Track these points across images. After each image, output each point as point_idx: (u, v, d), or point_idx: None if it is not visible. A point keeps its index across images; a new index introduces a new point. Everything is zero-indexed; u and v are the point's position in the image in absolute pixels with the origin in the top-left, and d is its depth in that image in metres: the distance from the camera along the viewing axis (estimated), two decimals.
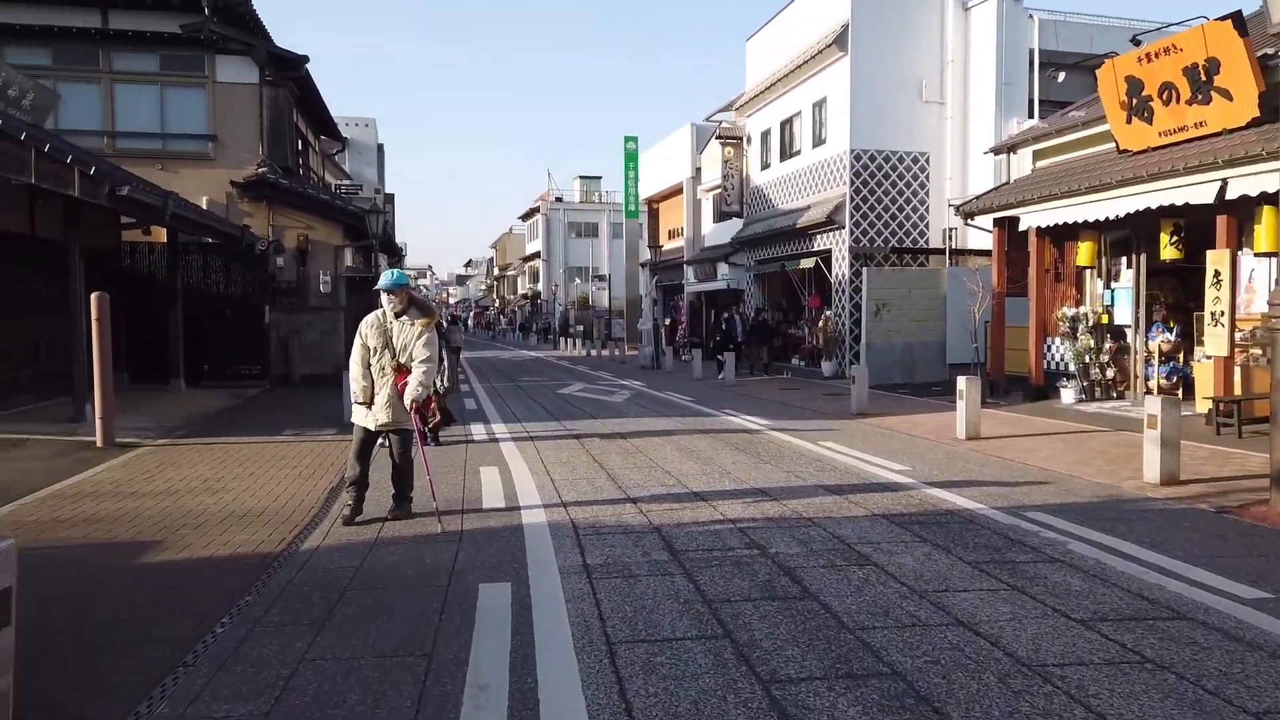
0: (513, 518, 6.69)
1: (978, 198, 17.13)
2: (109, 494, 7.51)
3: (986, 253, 18.16)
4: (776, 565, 5.38)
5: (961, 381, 10.96)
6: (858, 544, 5.86)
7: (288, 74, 18.87)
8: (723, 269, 29.55)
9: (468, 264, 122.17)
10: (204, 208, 16.99)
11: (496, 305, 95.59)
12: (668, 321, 31.87)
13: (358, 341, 6.49)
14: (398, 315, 6.44)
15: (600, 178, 73.51)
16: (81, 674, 3.81)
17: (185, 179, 17.58)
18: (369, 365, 6.44)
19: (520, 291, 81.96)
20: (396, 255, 28.51)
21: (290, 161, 19.29)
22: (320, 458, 9.40)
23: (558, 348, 46.35)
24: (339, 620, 4.46)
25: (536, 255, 69.41)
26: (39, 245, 13.29)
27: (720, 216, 29.21)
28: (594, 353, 36.75)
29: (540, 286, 67.86)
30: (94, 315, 9.80)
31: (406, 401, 6.33)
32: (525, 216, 75.89)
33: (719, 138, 28.00)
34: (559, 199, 69.16)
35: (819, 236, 22.31)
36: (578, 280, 61.64)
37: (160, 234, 16.80)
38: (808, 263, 22.54)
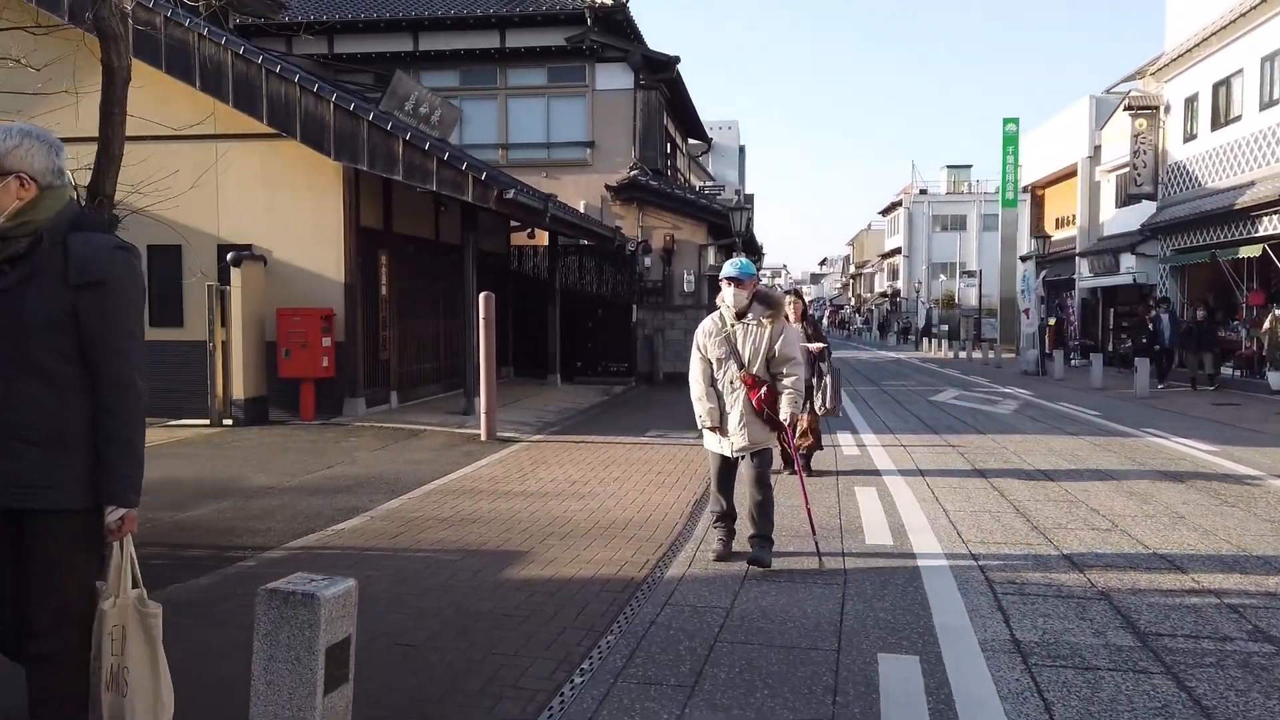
0: (904, 560, 5.53)
1: None
2: (485, 491, 7.54)
3: None
4: None
5: None
6: None
7: (659, 76, 19.14)
8: (1127, 260, 25.44)
9: (822, 262, 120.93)
10: (581, 211, 17.72)
11: (851, 304, 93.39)
12: (1052, 321, 28.19)
13: (695, 356, 5.41)
14: (739, 316, 5.29)
15: (970, 166, 68.65)
16: None
17: (565, 185, 18.50)
18: (713, 381, 5.33)
19: (878, 289, 79.17)
20: (756, 254, 28.25)
21: (659, 164, 19.59)
22: (683, 464, 8.92)
23: (919, 348, 43.59)
24: (709, 687, 3.66)
25: (896, 251, 66.50)
26: (441, 250, 14.52)
27: (1125, 200, 25.20)
28: (962, 355, 33.82)
29: (900, 283, 64.89)
30: (481, 314, 10.22)
31: (784, 416, 5.21)
32: (885, 211, 73.12)
33: (1128, 108, 24.09)
34: (923, 191, 65.65)
35: (1266, 219, 18.11)
36: (942, 276, 57.83)
37: (543, 238, 17.82)
38: (1250, 250, 18.41)
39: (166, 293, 11.83)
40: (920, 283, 55.61)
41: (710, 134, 33.24)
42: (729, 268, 5.33)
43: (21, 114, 5.58)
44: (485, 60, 19.14)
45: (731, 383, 5.24)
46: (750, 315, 5.27)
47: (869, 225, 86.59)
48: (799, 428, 6.09)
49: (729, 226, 18.28)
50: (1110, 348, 26.74)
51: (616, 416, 13.06)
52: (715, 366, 5.31)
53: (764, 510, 5.33)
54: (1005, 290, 41.59)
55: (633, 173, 18.92)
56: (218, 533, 6.13)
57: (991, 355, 29.74)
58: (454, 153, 10.71)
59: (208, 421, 11.21)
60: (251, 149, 11.58)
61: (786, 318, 5.53)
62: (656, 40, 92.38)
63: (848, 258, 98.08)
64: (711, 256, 19.96)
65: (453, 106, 15.37)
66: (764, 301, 5.33)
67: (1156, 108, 23.54)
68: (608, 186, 18.88)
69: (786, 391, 5.22)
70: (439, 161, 10.60)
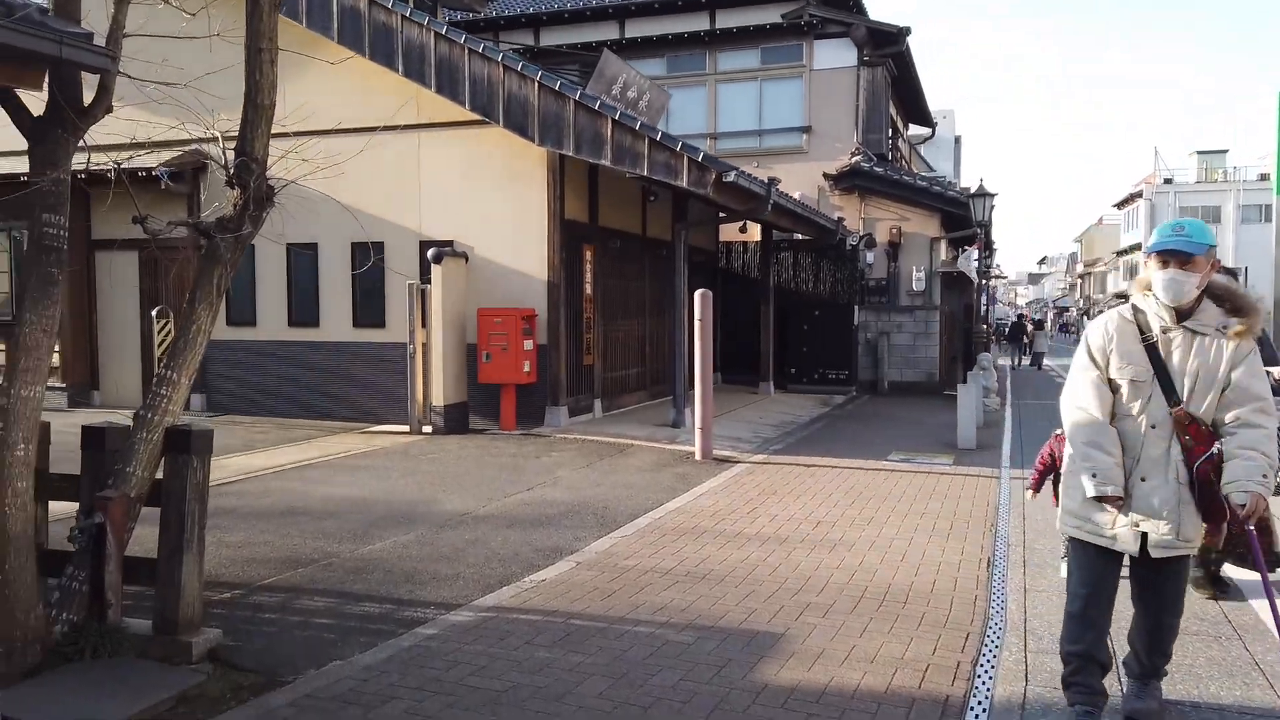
0: None
1: None
2: (710, 530, 6.16)
3: None
4: None
5: None
6: None
7: (885, 50, 17.16)
8: None
9: (1041, 261, 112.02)
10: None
11: (1080, 305, 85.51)
12: None
13: (1085, 373, 3.26)
14: (1179, 317, 3.13)
15: (1225, 151, 60.91)
16: None
17: (778, 174, 16.79)
18: (1112, 415, 3.23)
19: (1111, 290, 71.79)
20: (989, 251, 25.39)
21: (884, 148, 17.61)
22: (948, 501, 7.15)
23: None
24: None
25: (1136, 247, 59.90)
26: (647, 245, 13.36)
27: None
28: None
29: None
30: (696, 315, 8.88)
31: (1237, 499, 2.95)
32: (1121, 204, 66.45)
33: None
34: (1168, 180, 58.85)
35: None
36: None
37: (754, 233, 16.35)
38: None
39: (369, 292, 11.34)
40: None
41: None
42: (1163, 234, 3.16)
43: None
44: (693, 44, 17.90)
45: (1154, 427, 3.14)
46: (1199, 319, 3.15)
47: (1100, 220, 79.29)
48: (1258, 517, 2.99)
49: (968, 217, 16.02)
50: None
51: (844, 433, 11.36)
52: (1122, 396, 3.21)
53: (1168, 636, 3.32)
54: (1278, 288, 35.96)
55: (854, 159, 17.06)
56: (399, 578, 5.08)
57: None
58: (666, 133, 9.49)
59: (407, 429, 10.56)
60: (453, 138, 10.86)
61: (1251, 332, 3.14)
62: (879, 8, 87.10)
63: (1073, 255, 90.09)
64: (943, 251, 17.75)
65: (662, 90, 14.21)
66: (1226, 299, 3.17)
67: None
68: (826, 175, 17.13)
69: (1248, 456, 2.99)
70: (650, 143, 9.37)
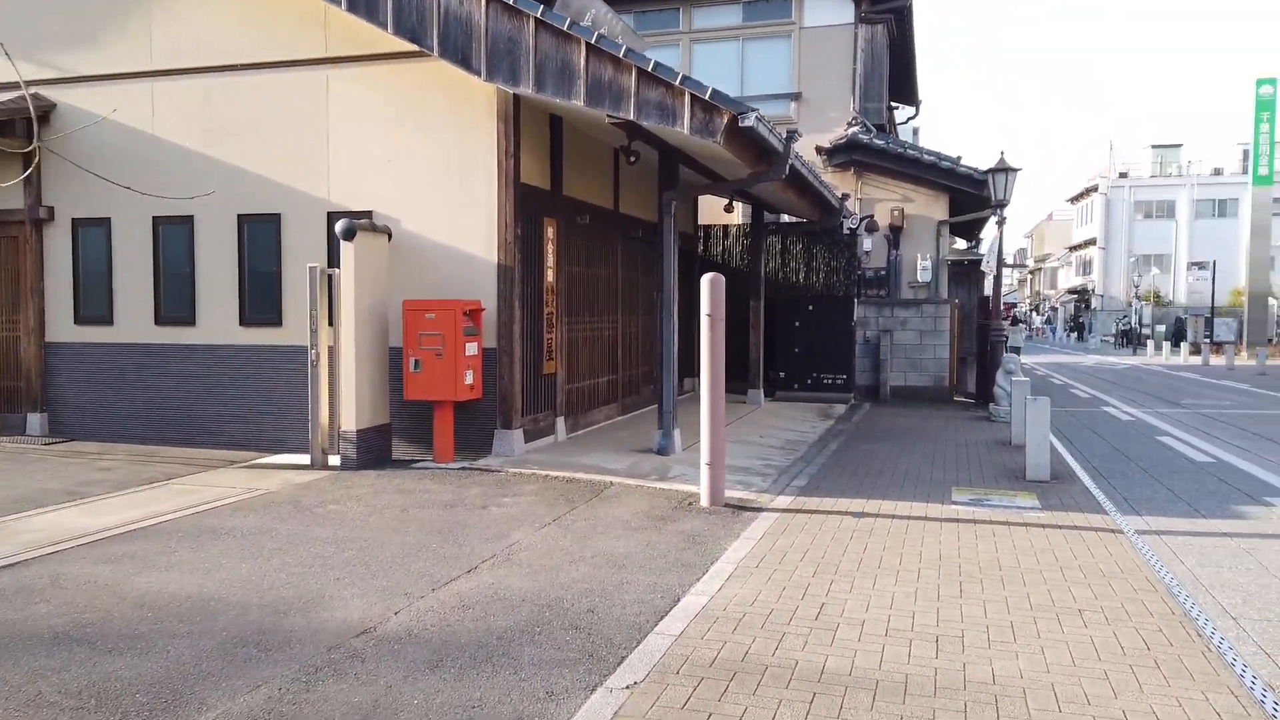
0: None
1: None
2: (770, 667, 3.73)
3: None
4: None
5: None
6: None
7: (887, 4, 14.93)
8: None
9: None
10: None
11: (1028, 301, 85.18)
12: None
13: None
14: None
15: (1180, 145, 60.44)
16: None
17: None
18: None
19: (1063, 285, 71.26)
20: (975, 239, 23.43)
21: (883, 118, 15.40)
22: (1093, 580, 4.83)
23: (1138, 353, 37.15)
24: None
25: (1090, 243, 59.22)
26: (620, 223, 10.89)
27: None
28: (1221, 361, 27.81)
29: (1094, 277, 57.72)
30: (705, 307, 6.45)
31: None
32: (1075, 199, 65.85)
33: None
34: (1123, 174, 58.18)
35: None
36: (1155, 270, 50.34)
37: (736, 215, 13.98)
38: None
39: (263, 280, 8.70)
40: (1140, 277, 48.48)
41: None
42: None
43: None
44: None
45: None
46: None
47: (1050, 215, 79.07)
48: None
49: (980, 197, 13.82)
50: None
51: (872, 458, 9.04)
52: None
53: None
54: (1254, 284, 34.96)
55: (851, 130, 14.81)
56: None
57: (1253, 361, 23.81)
58: (661, 64, 7.05)
59: (308, 460, 7.96)
60: (373, 76, 8.27)
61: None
62: None
63: (1023, 250, 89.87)
64: (948, 235, 15.61)
65: (637, 36, 11.76)
66: None
67: None
68: (819, 149, 14.85)
69: None
70: (640, 74, 6.91)
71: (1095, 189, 59.18)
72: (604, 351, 10.56)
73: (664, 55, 15.64)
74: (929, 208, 14.91)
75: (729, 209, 13.03)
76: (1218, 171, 58.13)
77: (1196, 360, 30.04)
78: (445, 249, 8.11)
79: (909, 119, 23.25)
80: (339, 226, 7.66)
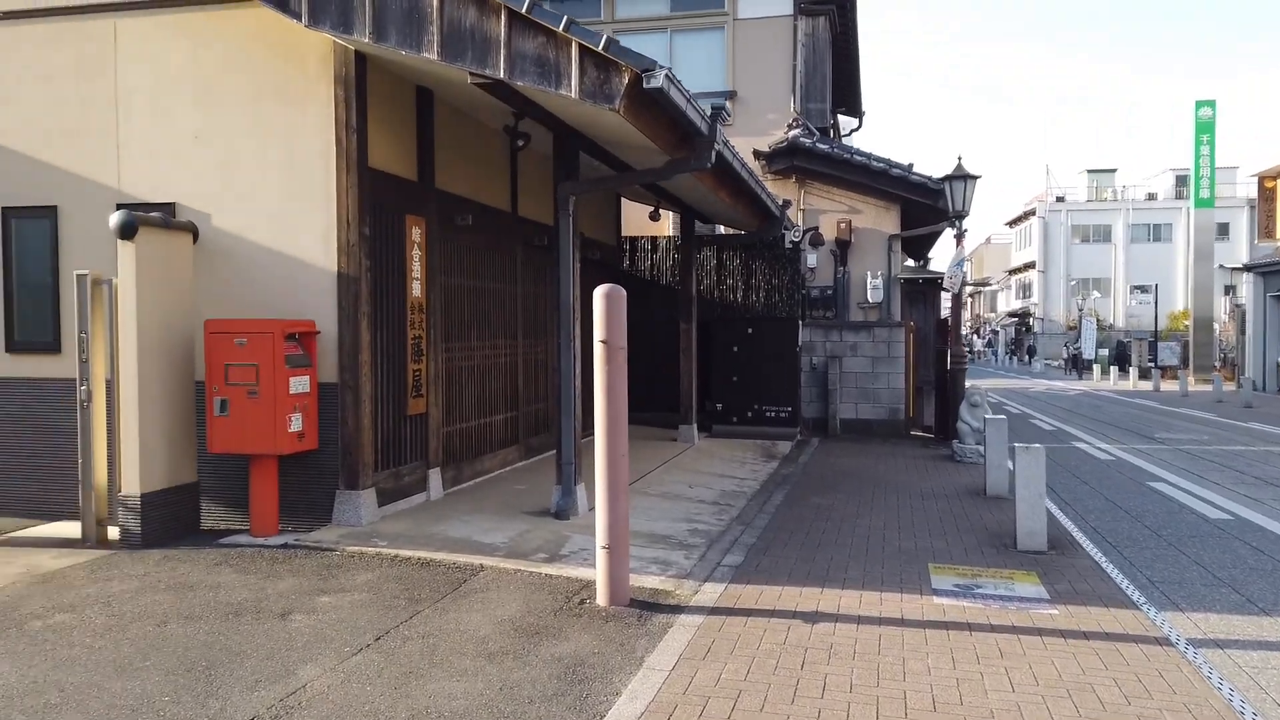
0: None
1: None
2: None
3: None
4: None
5: None
6: None
7: None
8: None
9: None
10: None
11: (969, 324, 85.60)
12: None
13: None
14: None
15: (1114, 170, 61.19)
16: None
17: None
18: None
19: (1003, 308, 71.42)
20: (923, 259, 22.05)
21: (827, 120, 13.88)
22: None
23: (1084, 377, 36.42)
24: None
25: (1029, 266, 59.34)
26: (518, 227, 9.06)
27: None
28: (1170, 386, 26.98)
29: (1035, 300, 57.73)
30: (599, 330, 4.64)
31: None
32: (1013, 222, 66.15)
33: None
34: (1060, 199, 58.53)
35: None
36: (1096, 293, 50.21)
37: (665, 226, 12.31)
38: None
39: (34, 293, 6.65)
40: (1083, 299, 48.19)
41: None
42: None
43: None
44: None
45: None
46: None
47: (988, 239, 79.53)
48: None
49: (942, 207, 12.31)
50: None
51: (825, 517, 7.29)
52: None
53: None
54: (1200, 307, 34.48)
55: (792, 132, 13.25)
56: None
57: (1206, 387, 22.91)
58: (540, 7, 5.28)
59: (79, 533, 5.93)
60: (173, 28, 6.33)
61: None
62: None
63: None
64: (900, 251, 14.11)
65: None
66: None
67: None
68: (757, 153, 13.25)
69: None
70: (511, 16, 5.12)
71: (1033, 213, 59.46)
72: (500, 383, 8.68)
73: None
74: (879, 220, 13.39)
75: (655, 216, 11.29)
76: (1151, 196, 58.88)
77: (1146, 385, 29.21)
78: (269, 253, 6.18)
79: (852, 130, 21.84)
80: (113, 220, 5.68)
